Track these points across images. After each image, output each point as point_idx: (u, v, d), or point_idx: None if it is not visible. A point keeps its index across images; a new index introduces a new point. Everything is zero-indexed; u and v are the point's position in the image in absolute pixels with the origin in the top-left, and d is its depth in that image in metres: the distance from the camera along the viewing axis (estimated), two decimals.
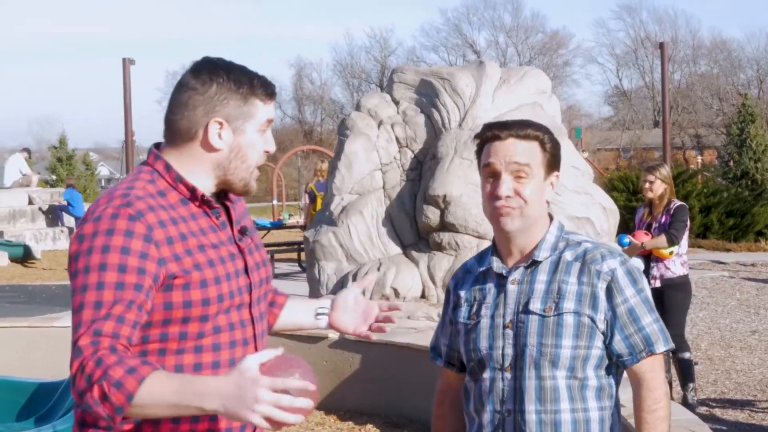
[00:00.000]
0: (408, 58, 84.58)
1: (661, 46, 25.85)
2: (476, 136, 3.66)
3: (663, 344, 3.49)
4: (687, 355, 10.27)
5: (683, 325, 10.46)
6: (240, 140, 3.27)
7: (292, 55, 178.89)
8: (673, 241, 10.23)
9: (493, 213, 3.55)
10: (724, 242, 27.26)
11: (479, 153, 3.64)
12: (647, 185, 10.42)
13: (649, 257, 10.30)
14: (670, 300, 10.18)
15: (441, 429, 3.92)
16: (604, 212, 12.10)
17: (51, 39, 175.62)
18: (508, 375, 3.50)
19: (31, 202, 28.62)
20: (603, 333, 3.46)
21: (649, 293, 3.54)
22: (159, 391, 2.87)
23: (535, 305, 3.48)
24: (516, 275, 3.55)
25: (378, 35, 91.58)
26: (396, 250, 11.66)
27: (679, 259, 10.31)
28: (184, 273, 3.12)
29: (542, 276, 3.51)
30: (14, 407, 7.92)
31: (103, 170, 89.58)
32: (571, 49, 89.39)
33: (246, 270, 3.34)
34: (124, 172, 29.45)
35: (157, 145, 3.36)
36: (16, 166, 30.65)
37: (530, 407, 3.46)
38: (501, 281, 3.57)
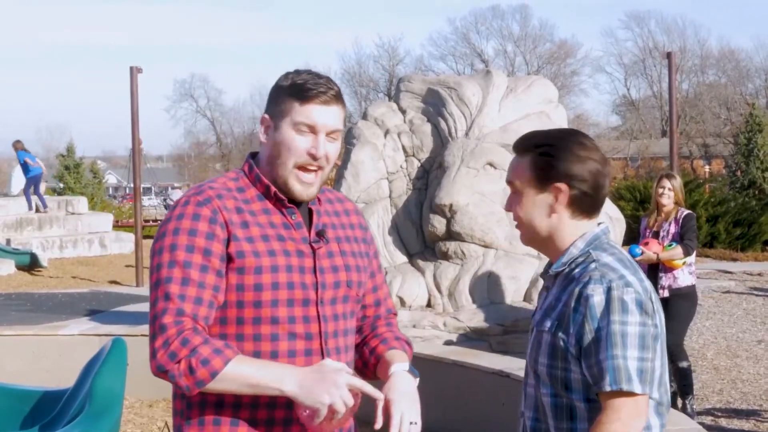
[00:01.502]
0: (416, 67, 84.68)
1: (669, 55, 25.77)
2: None
3: (609, 384, 3.20)
4: (685, 363, 10.26)
5: (684, 334, 10.46)
6: (276, 136, 3.50)
7: (300, 64, 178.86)
8: (689, 252, 10.23)
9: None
10: (731, 252, 27.24)
11: None
12: (664, 191, 10.41)
13: (658, 267, 10.30)
14: (675, 309, 10.17)
15: None
16: (611, 221, 12.08)
17: (59, 48, 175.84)
18: (531, 382, 3.52)
19: (38, 210, 28.64)
20: (577, 358, 3.32)
21: (631, 329, 3.25)
22: (241, 372, 3.22)
23: (536, 318, 3.52)
24: (548, 283, 3.58)
25: (386, 44, 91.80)
26: (402, 258, 11.65)
27: (688, 269, 10.32)
28: (238, 256, 3.34)
29: (555, 290, 3.50)
30: (18, 415, 7.91)
31: (111, 178, 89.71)
32: (579, 59, 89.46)
33: (314, 269, 3.47)
34: (132, 180, 29.49)
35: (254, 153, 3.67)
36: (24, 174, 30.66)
37: (528, 413, 3.50)
38: (546, 288, 3.62)
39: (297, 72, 3.53)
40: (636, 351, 3.24)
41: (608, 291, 3.29)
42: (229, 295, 3.35)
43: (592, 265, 3.39)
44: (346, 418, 3.31)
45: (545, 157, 3.48)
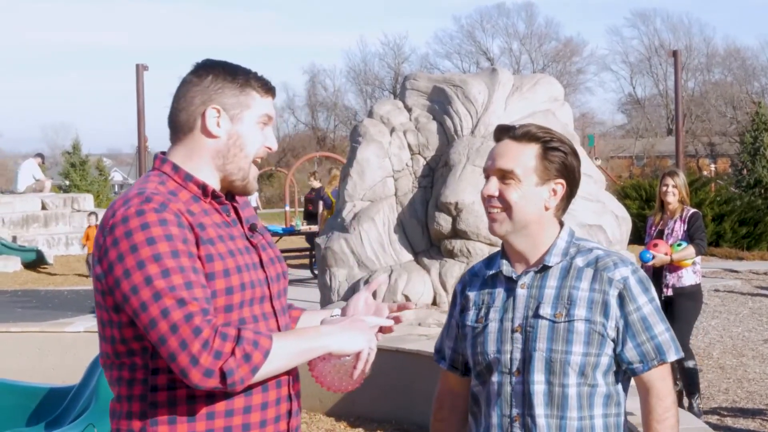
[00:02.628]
0: (421, 65, 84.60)
1: (675, 54, 25.81)
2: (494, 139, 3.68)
3: (675, 353, 3.48)
4: (692, 363, 10.24)
5: (689, 333, 10.44)
6: (238, 128, 3.34)
7: (306, 62, 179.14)
8: (701, 251, 10.22)
9: (486, 215, 3.58)
10: (736, 251, 27.21)
11: None
12: (668, 188, 10.39)
13: (662, 265, 10.27)
14: (680, 308, 10.16)
15: None
16: (617, 220, 12.08)
17: (65, 46, 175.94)
18: (516, 379, 3.49)
19: (44, 208, 28.64)
20: (613, 340, 3.44)
21: (659, 303, 3.52)
22: (286, 343, 3.15)
23: (546, 310, 3.46)
24: (526, 279, 3.53)
25: (392, 42, 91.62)
26: (407, 257, 11.65)
27: (692, 268, 10.29)
28: (207, 259, 3.16)
29: (552, 281, 3.50)
30: (25, 412, 7.94)
31: (117, 176, 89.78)
32: (584, 57, 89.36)
33: (261, 264, 3.38)
34: (137, 178, 29.66)
35: (163, 153, 3.42)
36: (30, 171, 30.68)
37: (539, 411, 3.45)
38: (510, 285, 3.56)
39: (224, 63, 3.39)
40: (667, 323, 3.56)
41: (635, 272, 3.49)
42: None
43: (600, 252, 3.54)
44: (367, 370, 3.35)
45: (556, 152, 3.50)
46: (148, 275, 3.03)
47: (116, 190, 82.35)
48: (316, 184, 25.57)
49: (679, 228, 10.31)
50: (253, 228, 3.45)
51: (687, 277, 10.25)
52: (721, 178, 39.91)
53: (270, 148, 3.41)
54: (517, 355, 3.49)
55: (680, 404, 9.95)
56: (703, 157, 74.87)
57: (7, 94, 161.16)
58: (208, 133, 3.32)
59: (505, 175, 3.50)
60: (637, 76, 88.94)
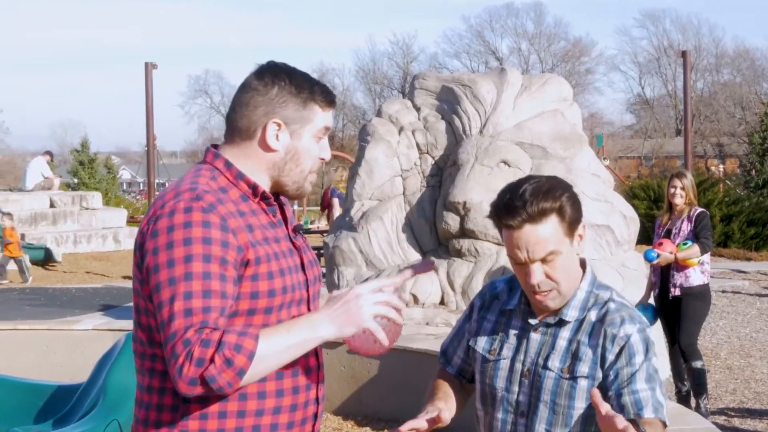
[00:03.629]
0: (430, 65, 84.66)
1: (684, 54, 25.79)
2: (490, 216, 3.54)
3: (651, 411, 3.37)
4: (699, 363, 10.24)
5: (697, 333, 10.43)
6: (296, 144, 3.36)
7: (315, 61, 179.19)
8: (705, 250, 10.21)
9: (528, 294, 3.51)
10: (745, 251, 27.19)
11: (498, 228, 3.52)
12: (676, 190, 10.38)
13: (670, 265, 10.27)
14: (687, 308, 10.16)
15: (436, 387, 3.84)
16: (625, 220, 12.07)
17: (74, 44, 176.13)
18: (521, 421, 3.51)
19: (52, 205, 28.68)
20: (608, 391, 3.42)
21: (656, 366, 3.45)
22: (274, 340, 3.07)
23: (554, 363, 3.46)
24: (541, 327, 3.52)
25: (401, 41, 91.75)
26: (415, 256, 11.65)
27: (700, 268, 10.28)
28: (256, 262, 3.18)
29: (566, 333, 3.48)
30: (32, 409, 7.95)
31: (125, 174, 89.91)
32: (593, 57, 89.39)
33: (302, 267, 3.40)
34: (146, 176, 29.47)
35: (215, 147, 3.44)
36: (38, 169, 30.72)
37: None
38: (526, 325, 3.55)
39: (290, 72, 3.37)
40: (660, 388, 3.45)
41: (641, 332, 3.46)
42: (239, 304, 3.17)
43: (612, 306, 3.49)
44: (398, 323, 3.27)
45: (568, 206, 3.44)
46: (172, 276, 3.07)
47: (124, 188, 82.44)
48: None
49: (686, 227, 10.30)
50: (297, 229, 3.48)
51: (695, 277, 10.24)
52: (730, 179, 39.93)
53: (324, 159, 3.43)
54: (523, 398, 3.50)
55: (687, 405, 9.95)
56: (711, 157, 74.82)
57: (15, 92, 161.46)
58: (266, 147, 3.33)
59: (547, 258, 3.41)
60: (646, 77, 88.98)
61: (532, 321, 3.54)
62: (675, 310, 10.25)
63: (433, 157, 12.02)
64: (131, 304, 17.52)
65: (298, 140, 3.35)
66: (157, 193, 22.98)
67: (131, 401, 7.34)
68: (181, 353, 2.98)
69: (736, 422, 10.17)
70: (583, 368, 3.41)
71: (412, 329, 10.73)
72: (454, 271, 11.24)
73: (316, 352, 3.40)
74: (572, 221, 3.45)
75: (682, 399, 10.31)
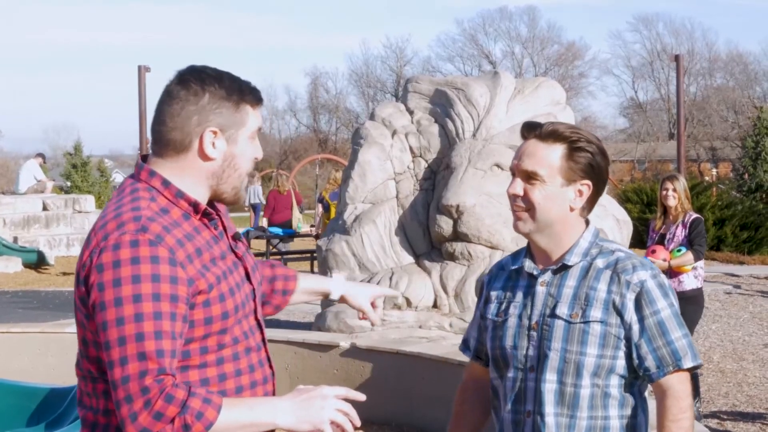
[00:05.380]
0: (423, 68, 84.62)
1: (677, 58, 25.80)
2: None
3: (691, 359, 3.45)
4: None
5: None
6: (233, 149, 3.28)
7: (308, 64, 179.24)
8: (699, 257, 10.21)
9: (512, 213, 3.59)
10: (737, 255, 27.20)
11: None
12: (668, 193, 10.39)
13: (662, 271, 10.28)
14: (681, 312, 10.16)
15: (457, 422, 3.91)
16: (618, 224, 12.09)
17: (67, 46, 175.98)
18: (530, 376, 3.51)
19: (45, 208, 28.64)
20: (629, 344, 3.44)
21: (678, 310, 3.50)
22: (234, 416, 3.02)
23: (562, 310, 3.47)
24: (545, 277, 3.54)
25: (394, 45, 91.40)
26: (408, 259, 11.65)
27: (694, 272, 10.30)
28: (208, 289, 3.13)
29: (571, 281, 3.50)
30: (25, 412, 7.94)
31: (118, 177, 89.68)
32: (586, 61, 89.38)
33: (247, 276, 3.37)
34: None
35: (144, 158, 3.33)
36: (31, 172, 30.69)
37: (549, 410, 3.47)
38: (531, 281, 3.58)
39: (218, 76, 3.27)
40: (686, 329, 3.52)
41: (655, 277, 3.47)
42: (195, 332, 3.12)
43: (621, 254, 3.52)
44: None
45: (582, 152, 3.49)
46: (121, 316, 2.99)
47: None
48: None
49: (681, 233, 10.31)
50: (236, 237, 3.41)
51: (688, 282, 10.25)
52: (723, 183, 39.86)
53: (258, 159, 3.36)
54: (532, 352, 3.51)
55: None
56: (704, 161, 74.90)
57: (8, 94, 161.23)
58: (204, 156, 3.25)
59: (530, 176, 3.49)
60: (639, 81, 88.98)
61: (535, 271, 3.56)
62: None
63: (426, 161, 12.03)
64: (75, 309, 17.62)
65: (235, 145, 3.27)
66: None
67: None
68: (138, 400, 2.95)
69: (729, 425, 10.18)
70: (596, 313, 3.43)
71: (405, 332, 10.73)
72: (447, 274, 11.25)
73: (270, 365, 3.41)
74: (578, 169, 3.49)
75: None
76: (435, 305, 11.28)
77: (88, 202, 30.36)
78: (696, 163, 71.74)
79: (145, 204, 3.15)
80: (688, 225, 10.31)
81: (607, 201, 12.39)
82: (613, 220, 12.05)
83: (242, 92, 3.27)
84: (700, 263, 10.37)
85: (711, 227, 27.09)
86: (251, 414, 3.07)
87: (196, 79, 3.24)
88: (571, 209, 3.53)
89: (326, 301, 11.92)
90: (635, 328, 3.42)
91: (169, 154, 3.25)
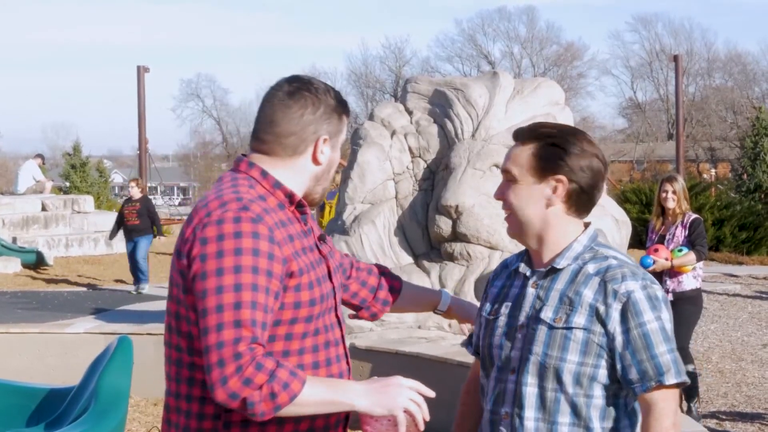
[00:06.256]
0: (422, 69, 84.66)
1: (676, 58, 25.84)
2: None
3: (674, 376, 3.34)
4: (690, 367, 10.25)
5: (689, 338, 10.45)
6: (334, 155, 3.56)
7: (307, 64, 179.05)
8: (701, 257, 10.22)
9: None
10: (736, 255, 27.23)
11: None
12: (668, 194, 10.39)
13: (663, 270, 10.28)
14: (680, 312, 10.16)
15: (462, 419, 3.92)
16: (616, 224, 12.09)
17: (66, 46, 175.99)
18: (511, 377, 3.48)
19: (44, 209, 28.64)
20: (612, 354, 3.36)
21: (668, 324, 3.39)
22: (316, 392, 3.16)
23: (547, 314, 3.42)
24: (536, 279, 3.51)
25: (393, 45, 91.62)
26: (407, 259, 11.65)
27: (693, 273, 10.30)
28: (299, 273, 3.29)
29: (560, 285, 3.45)
30: (24, 412, 7.93)
31: (117, 177, 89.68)
32: (585, 61, 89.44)
33: (329, 275, 3.51)
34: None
35: (244, 155, 3.54)
36: (30, 172, 30.70)
37: (529, 413, 3.43)
38: (524, 282, 3.55)
39: (325, 88, 3.54)
40: (673, 344, 3.39)
41: (645, 288, 3.37)
42: (283, 314, 3.28)
43: (613, 262, 3.44)
44: (419, 427, 3.35)
45: (553, 147, 3.46)
46: (221, 284, 3.15)
47: (116, 191, 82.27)
48: (137, 194, 21.07)
49: (681, 234, 10.32)
50: (322, 237, 3.59)
51: (687, 282, 10.26)
52: (722, 183, 39.91)
53: (343, 164, 3.60)
54: (515, 353, 3.47)
55: (679, 408, 9.95)
56: (703, 161, 74.91)
57: (7, 94, 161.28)
58: (316, 161, 3.50)
59: (507, 176, 3.51)
60: (638, 81, 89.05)
61: (528, 273, 3.55)
62: None
63: (425, 161, 12.03)
64: (123, 307, 17.55)
65: (335, 152, 3.55)
66: (150, 197, 22.69)
67: (123, 404, 7.35)
68: (230, 364, 3.08)
69: (728, 425, 10.19)
70: (579, 319, 3.37)
71: (404, 332, 10.74)
72: (446, 274, 11.25)
73: (347, 361, 3.56)
74: (548, 165, 3.46)
75: None
76: None
77: (87, 202, 30.37)
78: (695, 163, 71.75)
79: (245, 189, 3.36)
80: (687, 225, 10.32)
81: (605, 201, 12.40)
82: (611, 220, 12.05)
83: (343, 105, 3.56)
84: (700, 263, 10.38)
85: (710, 227, 27.12)
86: (332, 393, 3.20)
87: (311, 91, 3.50)
88: (548, 206, 3.47)
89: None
90: (619, 339, 3.34)
91: (280, 155, 3.48)
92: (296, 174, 3.48)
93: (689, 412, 10.01)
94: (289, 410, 3.13)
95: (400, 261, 11.59)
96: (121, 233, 21.11)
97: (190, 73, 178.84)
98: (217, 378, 3.08)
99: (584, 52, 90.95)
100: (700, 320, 12.32)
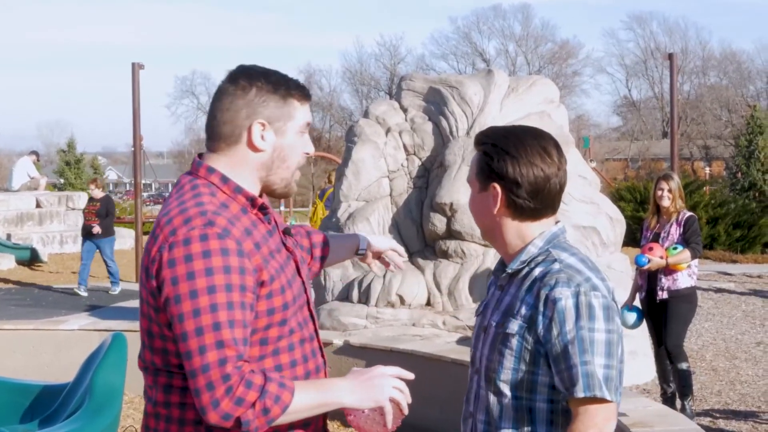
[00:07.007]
0: (417, 66, 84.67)
1: (671, 56, 25.75)
2: None
3: (582, 390, 3.16)
4: (685, 365, 10.25)
5: (683, 336, 10.44)
6: (282, 141, 3.39)
7: (302, 62, 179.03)
8: (696, 255, 10.21)
9: None
10: (730, 254, 27.24)
11: None
12: (663, 193, 10.39)
13: (657, 269, 10.28)
14: (674, 310, 10.17)
15: None
16: (611, 222, 12.10)
17: (61, 45, 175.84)
18: (475, 378, 3.48)
19: (38, 206, 28.63)
20: (548, 362, 3.26)
21: (598, 335, 3.21)
22: (305, 398, 3.18)
23: (495, 317, 3.40)
24: (502, 282, 3.48)
25: (388, 43, 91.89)
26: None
27: (688, 271, 10.29)
28: (270, 281, 3.24)
29: (512, 288, 3.40)
30: (18, 409, 7.93)
31: (111, 174, 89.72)
32: (580, 59, 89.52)
33: (297, 270, 3.47)
34: (132, 177, 29.42)
35: (200, 156, 3.46)
36: (24, 169, 30.65)
37: (480, 416, 3.41)
38: (496, 284, 3.54)
39: (264, 73, 3.41)
40: (603, 359, 3.19)
41: (576, 295, 3.23)
42: (258, 322, 3.23)
43: (556, 266, 3.31)
44: (404, 412, 3.41)
45: (486, 156, 3.41)
46: (197, 307, 3.09)
47: (111, 188, 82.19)
48: (98, 194, 20.72)
49: (675, 231, 10.30)
50: (287, 232, 3.54)
51: (682, 280, 10.25)
52: (716, 181, 39.96)
53: (308, 154, 3.49)
54: (478, 354, 3.47)
55: (672, 406, 9.96)
56: (698, 160, 75.02)
57: (2, 92, 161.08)
58: (254, 148, 3.36)
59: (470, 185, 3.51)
60: (633, 79, 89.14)
61: (497, 275, 3.54)
62: (662, 312, 10.26)
63: (420, 159, 12.04)
64: (117, 304, 17.53)
65: (283, 137, 3.38)
66: (144, 194, 22.44)
67: (117, 401, 7.35)
68: (219, 387, 3.06)
69: (721, 423, 10.19)
70: (513, 326, 3.30)
71: (398, 330, 10.74)
72: (440, 272, 11.25)
73: (321, 354, 3.54)
74: (484, 173, 3.42)
75: (668, 400, 10.33)
76: (428, 303, 11.28)
77: (81, 199, 30.31)
78: (689, 161, 71.82)
79: (207, 199, 3.28)
80: (682, 223, 10.31)
81: (600, 199, 12.41)
82: (606, 218, 12.06)
83: (289, 87, 3.40)
84: (694, 261, 10.38)
85: (704, 226, 27.15)
86: (320, 395, 3.23)
87: (245, 76, 3.39)
88: (493, 213, 3.41)
89: (320, 300, 11.93)
90: (547, 348, 3.24)
91: (221, 148, 3.39)
92: (239, 165, 3.37)
93: (683, 410, 10.01)
94: (282, 420, 3.15)
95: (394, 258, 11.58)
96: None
97: (185, 71, 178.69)
98: (208, 401, 3.07)
99: (579, 50, 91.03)
100: (694, 318, 12.33)
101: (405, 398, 3.35)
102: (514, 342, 3.30)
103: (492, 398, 3.37)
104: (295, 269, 3.44)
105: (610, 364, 3.21)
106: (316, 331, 3.52)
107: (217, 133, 3.38)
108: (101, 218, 19.81)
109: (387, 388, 3.32)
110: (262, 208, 3.38)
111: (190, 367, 3.10)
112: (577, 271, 3.30)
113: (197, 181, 3.36)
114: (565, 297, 3.22)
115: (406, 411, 3.38)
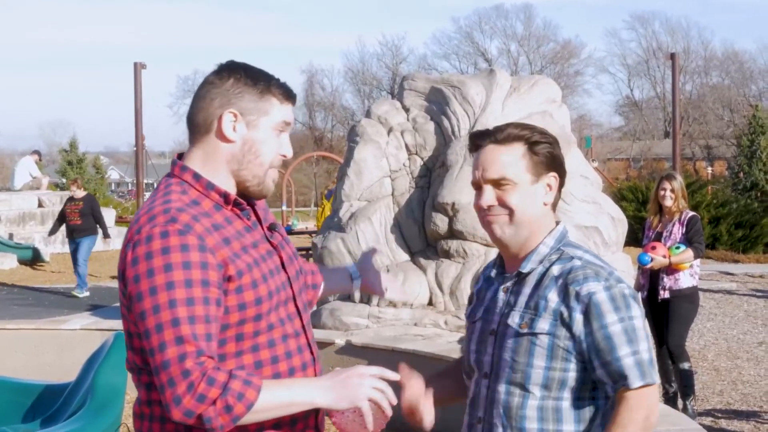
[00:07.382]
0: (419, 66, 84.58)
1: (673, 56, 25.81)
2: (469, 149, 3.59)
3: (638, 379, 3.25)
4: (687, 365, 10.25)
5: (685, 335, 10.44)
6: (253, 134, 3.34)
7: (304, 62, 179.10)
8: (699, 255, 10.21)
9: (482, 222, 3.51)
10: (732, 253, 27.25)
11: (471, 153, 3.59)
12: (666, 192, 10.38)
13: (660, 268, 10.28)
14: (676, 310, 10.17)
15: (442, 377, 3.85)
16: (613, 222, 12.10)
17: (62, 45, 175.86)
18: (484, 382, 3.46)
19: (40, 205, 28.63)
20: (582, 357, 3.30)
21: (637, 323, 3.30)
22: (273, 396, 3.13)
23: (514, 319, 3.38)
24: (508, 283, 3.47)
25: (390, 42, 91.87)
26: (404, 257, 11.66)
27: (690, 270, 10.29)
28: (238, 276, 3.21)
29: (527, 288, 3.40)
30: (20, 409, 7.94)
31: (114, 174, 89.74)
32: (582, 59, 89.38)
33: (282, 265, 3.43)
34: (135, 176, 29.42)
35: (179, 156, 3.43)
36: (27, 168, 30.66)
37: (497, 420, 3.39)
38: (498, 287, 3.52)
39: (246, 67, 3.40)
40: (645, 343, 3.30)
41: (609, 288, 3.29)
42: (230, 318, 3.21)
43: (577, 263, 3.37)
44: (386, 414, 3.30)
45: (541, 145, 3.43)
46: (156, 303, 3.09)
47: (113, 188, 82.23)
48: (80, 193, 20.80)
49: (678, 231, 10.30)
50: (272, 228, 3.50)
51: (684, 280, 10.25)
52: (718, 181, 39.94)
53: (284, 156, 3.43)
54: (488, 359, 3.45)
55: (675, 406, 9.96)
56: (700, 159, 74.98)
57: (4, 91, 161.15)
58: (223, 137, 3.33)
59: (499, 183, 3.42)
60: (635, 79, 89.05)
61: (500, 277, 3.53)
62: (663, 312, 10.27)
63: (422, 158, 12.03)
64: (119, 304, 17.66)
65: (255, 131, 3.34)
66: (146, 193, 22.49)
67: (119, 401, 7.35)
68: (180, 383, 3.04)
69: (723, 423, 10.19)
70: (543, 324, 3.31)
71: (400, 330, 10.74)
72: (442, 272, 11.25)
73: (311, 351, 3.47)
74: (542, 163, 3.44)
75: (670, 400, 10.33)
76: (430, 303, 11.28)
77: None
78: (691, 161, 71.83)
79: (176, 197, 3.26)
80: (685, 223, 10.31)
81: (602, 199, 12.40)
82: (608, 218, 12.06)
83: (269, 83, 3.37)
84: (696, 261, 10.38)
85: (706, 225, 27.14)
86: (290, 394, 3.17)
87: (227, 68, 3.38)
88: (545, 204, 3.46)
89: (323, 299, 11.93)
90: (585, 342, 3.28)
91: (196, 138, 3.37)
92: (209, 156, 3.35)
93: (685, 410, 10.01)
94: (249, 418, 3.11)
95: (396, 258, 11.59)
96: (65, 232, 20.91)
97: (187, 70, 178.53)
98: (171, 398, 3.05)
99: (581, 50, 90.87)
100: (696, 318, 12.32)
101: (386, 399, 3.24)
102: (545, 340, 3.32)
103: (514, 400, 3.37)
104: (278, 264, 3.41)
105: (649, 347, 3.32)
106: (303, 327, 3.46)
107: (192, 122, 3.38)
108: (85, 216, 19.92)
109: (364, 389, 3.22)
110: (237, 204, 3.35)
111: (154, 364, 3.10)
112: (599, 266, 3.38)
113: (171, 179, 3.37)
114: (598, 290, 3.28)
115: (389, 412, 3.27)
